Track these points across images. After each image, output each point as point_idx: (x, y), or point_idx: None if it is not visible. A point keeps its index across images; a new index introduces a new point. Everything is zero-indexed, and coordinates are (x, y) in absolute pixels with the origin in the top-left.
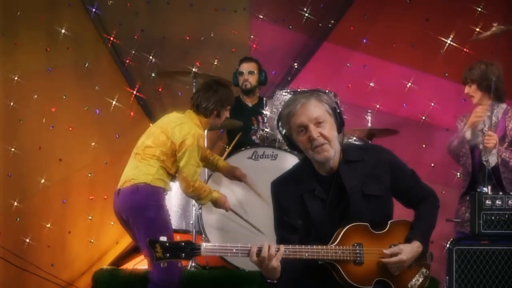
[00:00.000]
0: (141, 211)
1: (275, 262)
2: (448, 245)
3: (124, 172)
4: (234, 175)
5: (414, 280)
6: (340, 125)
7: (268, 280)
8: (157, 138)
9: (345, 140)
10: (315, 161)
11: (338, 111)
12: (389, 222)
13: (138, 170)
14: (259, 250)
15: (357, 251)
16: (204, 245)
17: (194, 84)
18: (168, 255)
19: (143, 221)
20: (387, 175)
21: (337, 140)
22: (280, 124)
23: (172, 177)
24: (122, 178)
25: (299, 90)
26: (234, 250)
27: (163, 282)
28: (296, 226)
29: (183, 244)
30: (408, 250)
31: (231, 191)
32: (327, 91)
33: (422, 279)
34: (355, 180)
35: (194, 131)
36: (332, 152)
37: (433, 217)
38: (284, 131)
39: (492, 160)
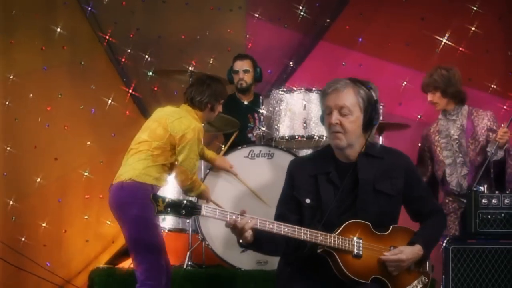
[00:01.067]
0: (125, 208)
1: (248, 235)
2: (444, 244)
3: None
4: (219, 166)
5: (412, 285)
6: (367, 123)
7: (240, 241)
8: (154, 132)
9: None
10: (332, 145)
11: (372, 109)
12: (391, 226)
13: (127, 165)
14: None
15: (357, 243)
16: (204, 205)
17: (190, 82)
18: (169, 209)
19: (127, 219)
20: (402, 178)
21: (356, 135)
22: (320, 96)
23: (167, 171)
24: (116, 174)
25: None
26: (234, 217)
27: (150, 281)
28: (302, 204)
29: (184, 202)
30: (408, 251)
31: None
32: (371, 86)
33: (421, 286)
34: (370, 173)
35: (194, 125)
36: (344, 143)
37: (439, 232)
38: (321, 105)
39: (500, 154)
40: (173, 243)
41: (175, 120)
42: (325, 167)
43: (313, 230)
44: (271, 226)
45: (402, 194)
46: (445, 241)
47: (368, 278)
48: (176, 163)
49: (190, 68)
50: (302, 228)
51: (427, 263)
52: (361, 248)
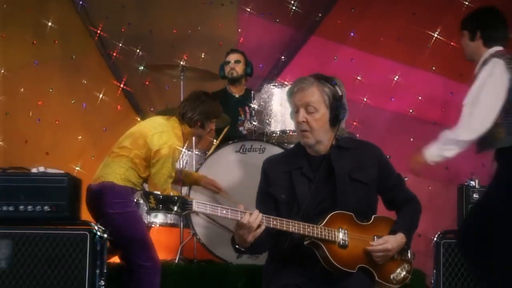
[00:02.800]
0: (107, 208)
1: (251, 237)
2: (435, 239)
3: (99, 168)
4: (207, 185)
5: (396, 273)
6: (334, 118)
7: (237, 246)
8: (135, 141)
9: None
10: (301, 142)
11: (338, 104)
12: (373, 216)
13: (108, 168)
14: (246, 215)
15: (342, 233)
16: (195, 201)
17: (182, 77)
18: (160, 206)
19: (111, 218)
20: (375, 167)
21: (324, 131)
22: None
23: (144, 180)
24: (95, 174)
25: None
26: (224, 212)
27: (151, 263)
28: (278, 200)
29: (176, 198)
30: (393, 240)
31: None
32: (336, 82)
33: (404, 273)
34: (344, 163)
35: (172, 142)
36: (312, 140)
37: (416, 218)
38: (289, 103)
39: None
40: (164, 238)
41: (155, 134)
42: (298, 162)
43: (300, 222)
44: (274, 222)
45: (376, 184)
46: (436, 236)
47: (354, 267)
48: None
49: (182, 63)
50: (290, 220)
51: (409, 251)
52: (346, 238)
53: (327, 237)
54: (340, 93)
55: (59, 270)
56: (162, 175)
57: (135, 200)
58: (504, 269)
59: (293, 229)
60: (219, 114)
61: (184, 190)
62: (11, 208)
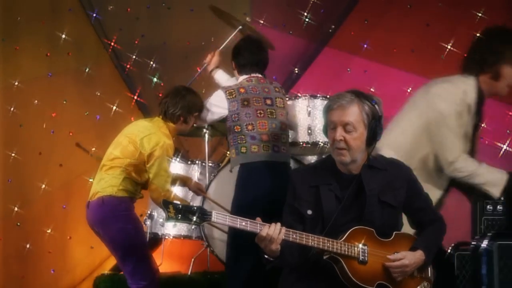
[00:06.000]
0: (109, 223)
1: (275, 246)
2: (449, 250)
3: (92, 184)
4: (194, 188)
5: None
6: (371, 138)
7: (266, 256)
8: (125, 149)
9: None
10: (335, 160)
11: (376, 125)
12: (394, 232)
13: (103, 182)
14: (265, 227)
15: (362, 249)
16: (215, 212)
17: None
18: (179, 216)
19: (113, 233)
20: (404, 190)
21: (360, 151)
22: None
23: (142, 186)
24: (91, 191)
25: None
26: (244, 223)
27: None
28: (304, 215)
29: (195, 208)
30: (411, 257)
31: None
32: (376, 101)
33: None
34: (375, 184)
35: (163, 142)
36: (348, 159)
37: (439, 238)
38: (324, 118)
39: None
40: (177, 250)
41: (144, 137)
42: (327, 178)
43: (320, 237)
44: (294, 236)
45: (404, 206)
46: (450, 248)
47: (373, 284)
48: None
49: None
50: (310, 234)
51: (429, 269)
52: (366, 254)
53: (346, 252)
54: (379, 113)
55: None
56: (161, 177)
57: (148, 212)
58: None
59: (313, 243)
60: (200, 107)
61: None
62: None
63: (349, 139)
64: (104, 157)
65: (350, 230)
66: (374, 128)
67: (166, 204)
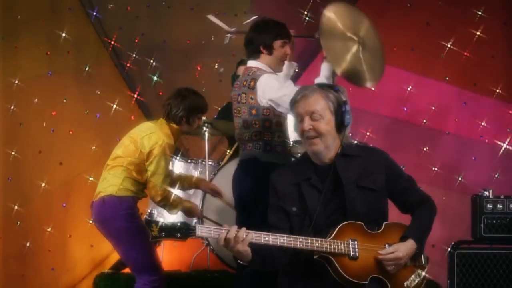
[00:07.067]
0: (111, 222)
1: (241, 247)
2: (449, 249)
3: (98, 184)
4: (207, 189)
5: (410, 280)
6: (340, 125)
7: (239, 261)
8: (127, 148)
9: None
10: (308, 152)
11: (343, 110)
12: (384, 223)
13: (105, 181)
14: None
15: (352, 245)
16: (199, 226)
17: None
18: (163, 234)
19: (115, 232)
20: (382, 173)
21: (332, 137)
22: (289, 106)
23: (144, 185)
24: (96, 191)
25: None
26: (223, 230)
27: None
28: (289, 213)
29: (179, 224)
30: (403, 248)
31: None
32: (339, 88)
33: (419, 279)
34: (350, 172)
35: (162, 140)
36: (321, 146)
37: (429, 221)
38: (292, 114)
39: None
40: (177, 249)
41: (144, 136)
42: (305, 173)
43: (308, 238)
44: (266, 238)
45: (386, 189)
46: (450, 246)
47: (366, 278)
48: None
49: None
50: (298, 237)
51: (422, 256)
52: (357, 249)
53: (336, 250)
54: (344, 99)
55: None
56: (159, 175)
57: (148, 211)
58: None
59: (301, 245)
60: (203, 108)
61: (198, 198)
62: None
63: (318, 125)
64: (109, 157)
65: (339, 227)
66: (341, 114)
67: (148, 223)
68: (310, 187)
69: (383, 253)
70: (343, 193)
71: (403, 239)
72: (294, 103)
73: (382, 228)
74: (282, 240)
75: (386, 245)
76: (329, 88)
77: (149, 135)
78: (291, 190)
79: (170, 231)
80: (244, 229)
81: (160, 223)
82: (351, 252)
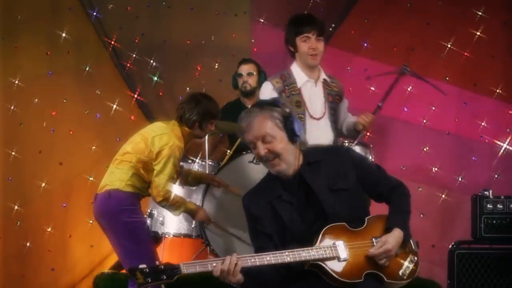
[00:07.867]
0: (115, 216)
1: (233, 279)
2: (449, 249)
3: (104, 177)
4: (212, 182)
5: (404, 268)
6: (292, 136)
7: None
8: (136, 145)
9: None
10: (273, 173)
11: (290, 122)
12: (366, 218)
13: (113, 175)
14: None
15: (339, 247)
16: (182, 264)
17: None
18: (149, 279)
19: (118, 226)
20: (352, 170)
21: (290, 152)
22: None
23: (149, 185)
24: (101, 184)
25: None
26: (214, 264)
27: None
28: (269, 234)
29: (162, 267)
30: (391, 239)
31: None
32: (279, 102)
33: (412, 265)
34: (320, 178)
35: (172, 142)
36: (283, 166)
37: (406, 204)
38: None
39: None
40: (177, 249)
41: (156, 136)
42: (275, 191)
43: (294, 250)
44: (252, 260)
45: (360, 185)
46: (450, 246)
47: (360, 276)
48: None
49: None
50: (283, 251)
51: (411, 241)
52: (345, 250)
53: (324, 256)
54: (288, 110)
55: None
56: (164, 176)
57: (148, 211)
58: None
59: (288, 258)
60: (216, 114)
61: (198, 198)
62: None
63: (273, 147)
64: (119, 151)
65: (321, 232)
66: (290, 126)
67: (132, 271)
68: (282, 203)
69: (373, 250)
70: (318, 201)
71: (388, 230)
72: (242, 132)
73: (365, 224)
74: (268, 258)
75: (373, 239)
76: (269, 105)
77: (160, 135)
78: (265, 211)
79: (155, 275)
80: (231, 256)
81: (143, 270)
82: (339, 253)
